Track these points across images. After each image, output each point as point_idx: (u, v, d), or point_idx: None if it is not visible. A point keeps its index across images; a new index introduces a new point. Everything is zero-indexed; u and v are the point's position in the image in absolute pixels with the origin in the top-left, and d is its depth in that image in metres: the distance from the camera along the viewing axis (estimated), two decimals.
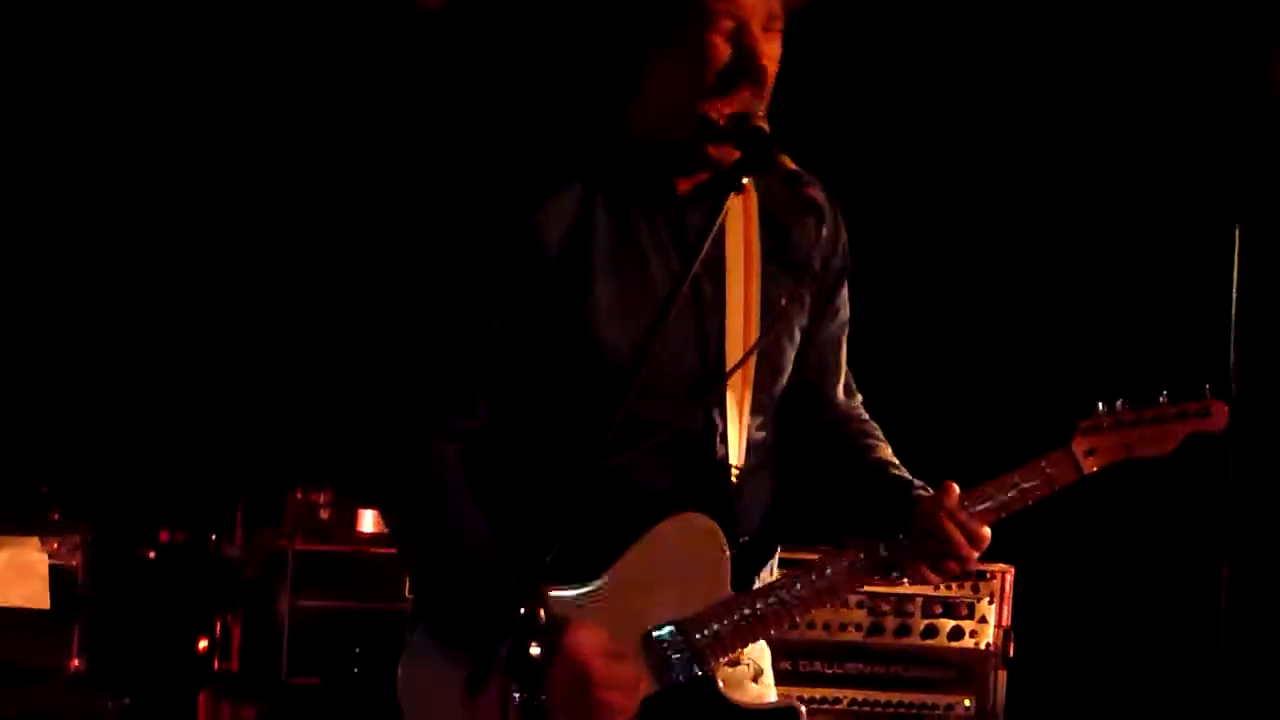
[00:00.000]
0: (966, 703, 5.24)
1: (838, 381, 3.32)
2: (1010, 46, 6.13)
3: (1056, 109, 6.15)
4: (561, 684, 2.85)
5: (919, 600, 5.23)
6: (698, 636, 3.01)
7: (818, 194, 2.93)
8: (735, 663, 3.06)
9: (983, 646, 5.24)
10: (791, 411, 3.23)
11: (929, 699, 5.25)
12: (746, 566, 3.08)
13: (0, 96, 6.15)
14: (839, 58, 5.62)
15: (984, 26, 6.13)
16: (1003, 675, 5.24)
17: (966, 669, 5.24)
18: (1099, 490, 3.27)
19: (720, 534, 3.04)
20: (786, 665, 5.19)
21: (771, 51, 3.01)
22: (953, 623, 5.24)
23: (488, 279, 2.99)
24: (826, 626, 5.23)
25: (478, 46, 6.20)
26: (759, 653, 3.18)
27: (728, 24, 2.96)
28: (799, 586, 3.07)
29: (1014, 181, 6.19)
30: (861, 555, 3.08)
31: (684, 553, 3.02)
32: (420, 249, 3.14)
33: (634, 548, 3.00)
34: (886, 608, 5.21)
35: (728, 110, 2.96)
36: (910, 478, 3.18)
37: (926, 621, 5.25)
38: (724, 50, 2.96)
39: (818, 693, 5.23)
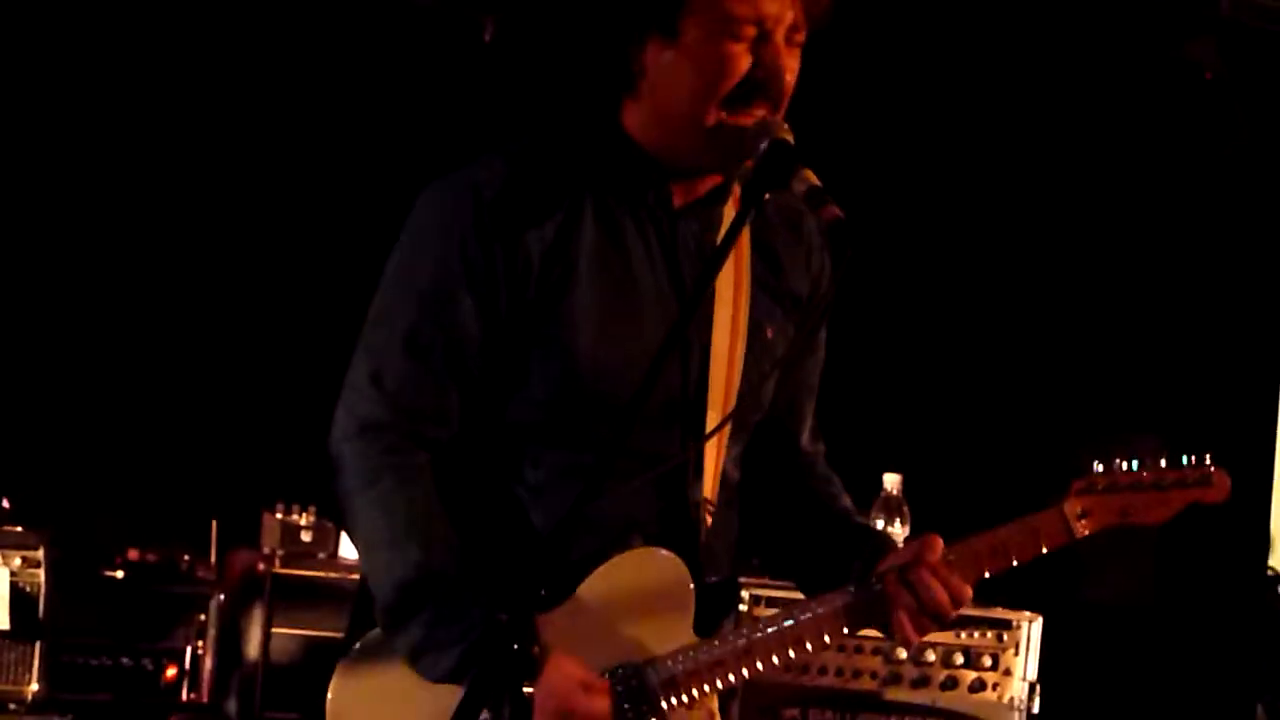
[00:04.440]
0: None
1: (806, 425, 3.21)
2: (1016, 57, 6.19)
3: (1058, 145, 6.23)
4: (542, 713, 2.82)
5: (939, 649, 5.07)
6: (653, 679, 2.88)
7: (839, 213, 2.74)
8: (690, 706, 2.92)
9: (1006, 700, 5.08)
10: (756, 451, 3.10)
11: None
12: (711, 609, 2.96)
13: None
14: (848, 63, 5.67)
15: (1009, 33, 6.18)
16: None
17: None
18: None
19: (686, 572, 2.93)
20: (795, 714, 5.08)
21: (792, 65, 2.88)
22: (975, 674, 5.08)
23: (465, 281, 2.87)
24: (840, 673, 5.06)
25: (471, 34, 6.18)
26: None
27: (750, 31, 2.82)
28: (764, 631, 2.94)
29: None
30: (833, 603, 2.95)
31: (647, 588, 2.91)
32: (398, 252, 2.98)
33: (594, 577, 2.88)
34: (904, 656, 5.04)
35: (743, 123, 2.83)
36: (876, 529, 3.18)
37: (947, 672, 5.08)
38: (744, 61, 2.83)
39: None
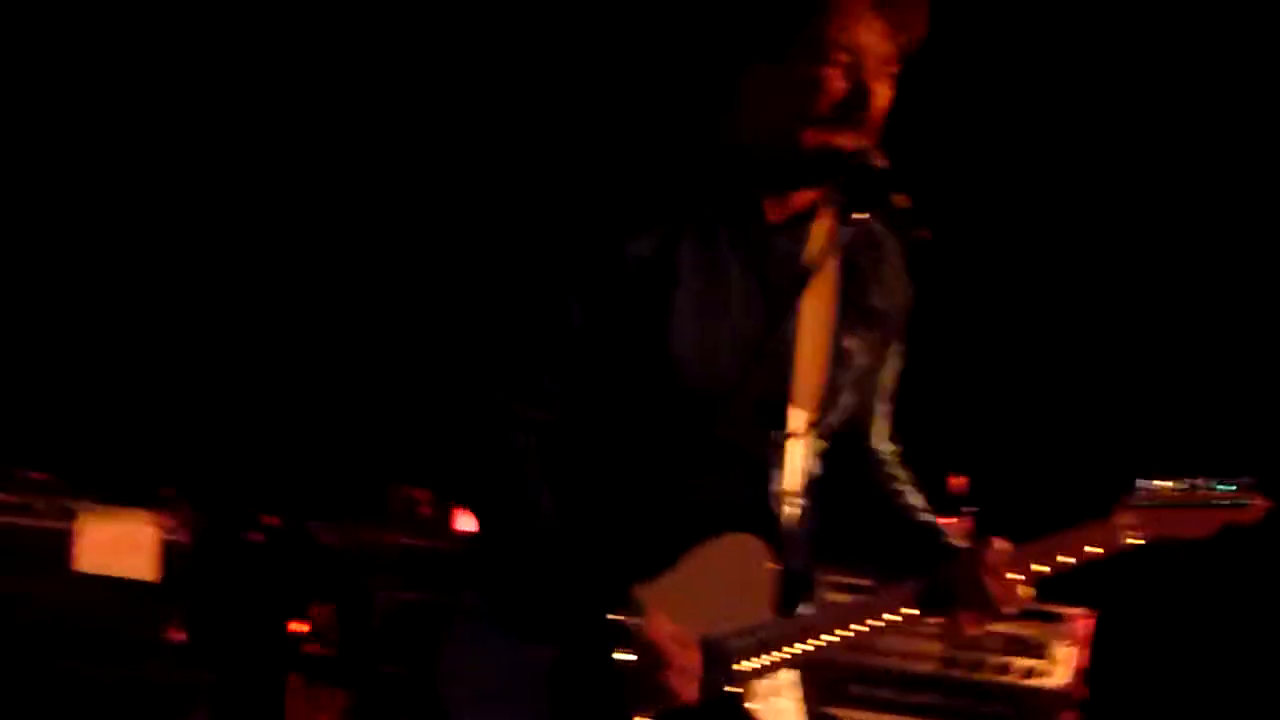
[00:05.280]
0: None
1: (879, 427, 3.33)
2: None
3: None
4: (641, 665, 2.92)
5: (996, 637, 5.20)
6: (731, 649, 3.00)
7: (927, 235, 2.94)
8: (763, 675, 3.06)
9: (1055, 687, 5.21)
10: (831, 450, 3.23)
11: None
12: (790, 592, 3.09)
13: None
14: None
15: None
16: (1073, 718, 5.22)
17: (1037, 709, 5.20)
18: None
19: (770, 558, 3.05)
20: (860, 690, 5.23)
21: (883, 93, 2.97)
22: (1029, 662, 5.22)
23: (573, 287, 2.99)
24: (901, 654, 5.23)
25: (577, 44, 6.25)
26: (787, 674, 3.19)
27: (844, 58, 2.92)
28: (835, 611, 3.10)
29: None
30: (901, 593, 3.10)
31: (733, 569, 3.03)
32: (513, 248, 3.11)
33: (684, 561, 3.01)
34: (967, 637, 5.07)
35: (835, 143, 2.95)
36: (940, 527, 3.23)
37: (1002, 658, 5.23)
38: (839, 85, 2.94)
39: (885, 719, 5.24)
